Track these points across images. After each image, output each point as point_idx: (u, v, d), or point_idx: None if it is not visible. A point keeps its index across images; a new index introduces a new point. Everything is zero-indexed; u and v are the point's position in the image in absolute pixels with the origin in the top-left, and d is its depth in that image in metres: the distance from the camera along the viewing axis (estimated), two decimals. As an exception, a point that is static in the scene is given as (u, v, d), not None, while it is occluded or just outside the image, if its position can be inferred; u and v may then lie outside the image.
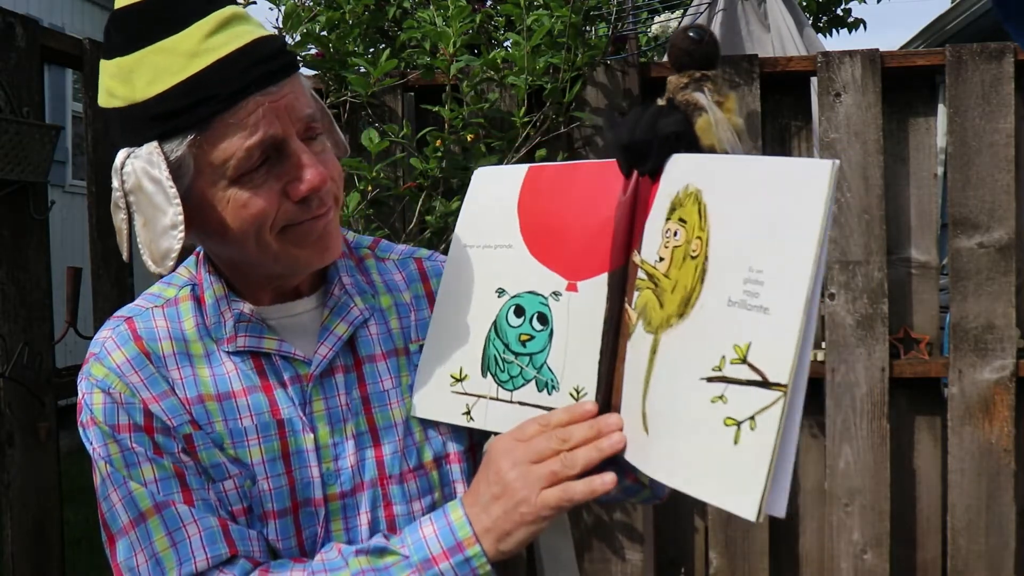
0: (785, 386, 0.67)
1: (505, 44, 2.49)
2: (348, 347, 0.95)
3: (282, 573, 0.85)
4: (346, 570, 0.83)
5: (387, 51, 2.12)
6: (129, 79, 0.81)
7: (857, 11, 13.09)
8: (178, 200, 0.81)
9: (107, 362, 0.89)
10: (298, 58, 0.92)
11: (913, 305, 2.30)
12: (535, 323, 0.91)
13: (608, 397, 0.85)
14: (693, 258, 0.76)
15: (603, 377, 0.85)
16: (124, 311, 0.94)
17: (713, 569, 2.28)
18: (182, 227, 0.82)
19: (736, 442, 0.69)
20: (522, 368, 0.91)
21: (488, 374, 0.93)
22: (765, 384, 0.68)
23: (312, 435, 0.91)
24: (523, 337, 0.91)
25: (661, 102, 0.87)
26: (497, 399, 0.92)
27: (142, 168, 0.82)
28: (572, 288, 0.89)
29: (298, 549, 0.91)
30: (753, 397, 0.69)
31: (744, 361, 0.70)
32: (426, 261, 1.05)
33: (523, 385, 0.91)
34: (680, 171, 0.82)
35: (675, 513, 2.36)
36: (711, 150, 0.83)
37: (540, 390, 0.90)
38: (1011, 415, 2.17)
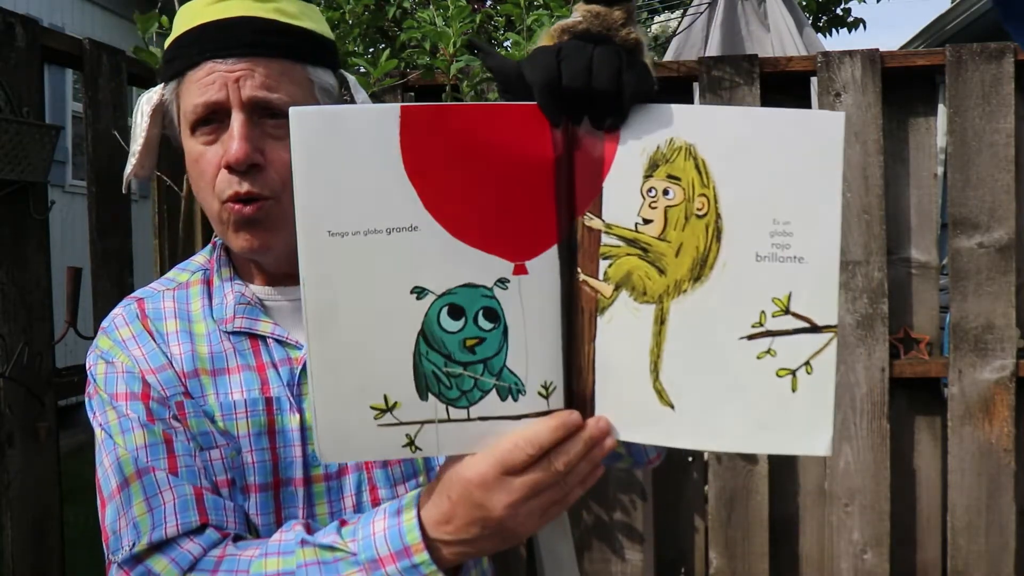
0: (835, 327, 0.71)
1: (505, 44, 2.49)
2: None
3: (241, 550, 0.86)
4: (292, 557, 0.83)
5: (387, 51, 2.12)
6: (172, 30, 0.97)
7: (857, 11, 13.09)
8: (144, 133, 0.97)
9: (114, 336, 0.96)
10: (302, 52, 0.96)
11: (913, 305, 2.30)
12: (481, 321, 0.74)
13: (572, 384, 0.76)
14: (700, 217, 0.73)
15: (566, 364, 0.75)
16: (138, 292, 1.02)
17: (713, 569, 2.28)
18: (138, 154, 0.98)
19: (794, 389, 0.72)
20: (476, 379, 0.75)
21: (430, 395, 0.75)
22: (815, 329, 0.71)
23: (298, 416, 0.94)
24: (470, 342, 0.74)
25: (577, 19, 0.75)
26: (449, 420, 0.75)
27: (143, 104, 0.98)
28: (521, 270, 0.74)
29: (276, 527, 0.92)
30: (804, 343, 0.71)
31: (787, 312, 0.71)
32: None
33: (481, 398, 0.75)
34: (653, 123, 0.73)
35: (675, 513, 2.36)
36: None
37: (504, 398, 0.75)
38: (1011, 415, 2.17)
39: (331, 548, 0.82)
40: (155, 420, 0.91)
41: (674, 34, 3.23)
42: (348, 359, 0.73)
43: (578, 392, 0.76)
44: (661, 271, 0.74)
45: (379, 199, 0.72)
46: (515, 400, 0.76)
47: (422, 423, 0.75)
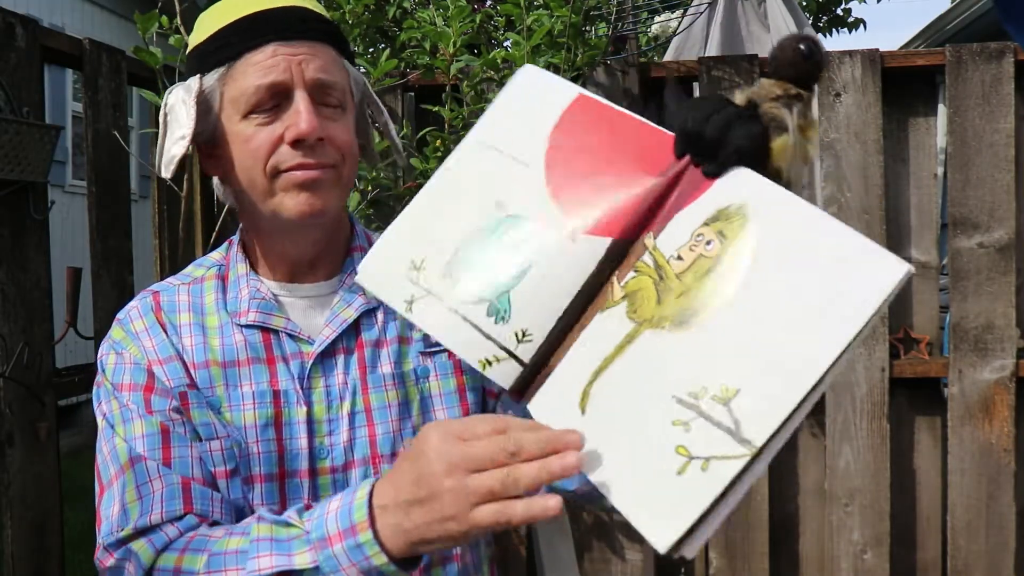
0: (755, 448, 0.64)
1: (505, 44, 2.49)
2: (353, 331, 1.01)
3: (212, 531, 0.88)
4: (248, 536, 0.83)
5: (387, 51, 2.12)
6: (200, 29, 1.00)
7: (857, 11, 13.09)
8: (193, 117, 0.95)
9: (127, 327, 1.00)
10: (340, 39, 1.03)
11: (913, 305, 2.30)
12: (518, 249, 0.83)
13: (549, 355, 0.80)
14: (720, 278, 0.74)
15: (554, 333, 0.80)
16: (155, 286, 1.05)
17: (713, 569, 2.28)
18: (189, 137, 0.96)
19: (680, 473, 0.66)
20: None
21: (450, 276, 0.84)
22: (735, 436, 0.65)
23: (305, 408, 0.97)
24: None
25: (740, 99, 0.81)
26: (437, 298, 0.84)
27: (180, 94, 0.98)
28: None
29: None
30: (717, 441, 0.66)
31: (726, 404, 0.67)
32: None
33: (475, 303, 0.82)
34: (741, 185, 0.77)
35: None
36: (776, 174, 0.77)
37: (489, 315, 0.81)
38: (1011, 415, 2.17)
39: (286, 525, 0.82)
40: (153, 412, 0.94)
41: (674, 34, 3.23)
42: (427, 221, 0.88)
43: (551, 364, 0.80)
44: (659, 301, 0.76)
45: (522, 137, 0.87)
46: (495, 323, 0.81)
47: (428, 293, 0.85)
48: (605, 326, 0.78)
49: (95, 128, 2.15)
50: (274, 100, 0.94)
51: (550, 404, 0.78)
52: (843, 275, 0.67)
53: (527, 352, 0.80)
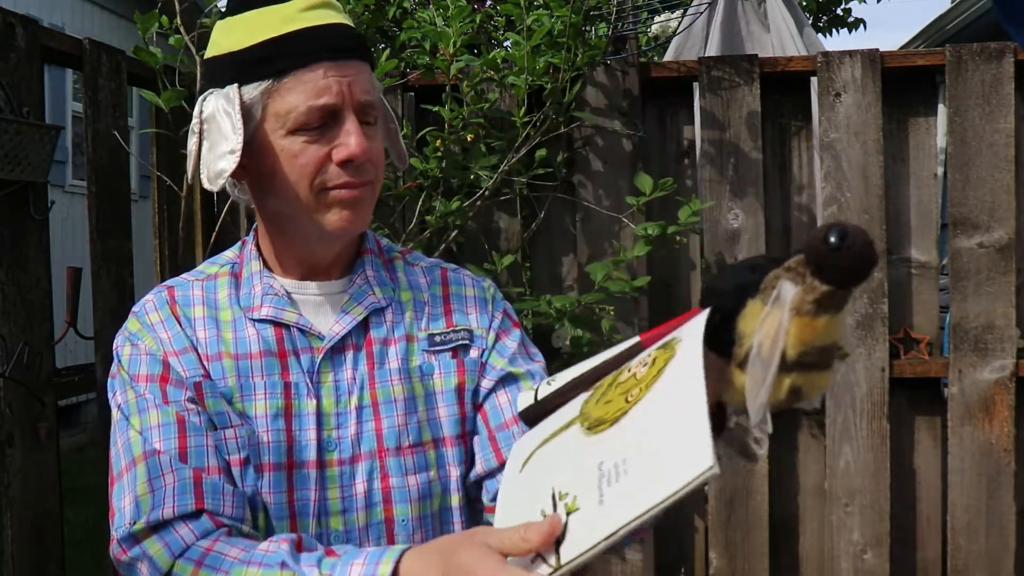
0: (559, 566, 0.68)
1: (505, 44, 2.49)
2: (362, 329, 1.03)
3: (229, 547, 0.87)
4: (271, 573, 0.83)
5: (387, 51, 2.12)
6: (231, 32, 0.98)
7: (857, 11, 13.08)
8: (241, 130, 0.95)
9: (143, 319, 1.02)
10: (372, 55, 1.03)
11: (913, 305, 2.30)
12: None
13: (556, 405, 0.90)
14: (625, 400, 0.76)
15: (565, 389, 0.90)
16: (170, 281, 1.07)
17: (713, 569, 2.28)
18: (239, 152, 0.95)
19: (533, 561, 0.71)
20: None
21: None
22: (558, 547, 0.69)
23: (315, 401, 0.99)
24: None
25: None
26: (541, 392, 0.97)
27: (220, 102, 0.97)
28: (644, 335, 0.89)
29: (287, 506, 0.97)
30: (550, 544, 0.71)
31: (568, 515, 0.71)
32: (450, 272, 1.14)
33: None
34: (691, 325, 0.77)
35: (675, 513, 2.36)
36: (739, 336, 0.73)
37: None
38: (1011, 415, 2.17)
39: None
40: (170, 402, 0.95)
41: (674, 34, 3.23)
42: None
43: (551, 410, 0.90)
44: (596, 402, 0.82)
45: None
46: (549, 372, 1.00)
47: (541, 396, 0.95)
48: (571, 406, 0.86)
49: (95, 128, 2.15)
50: (323, 120, 0.95)
51: (520, 449, 0.89)
52: (667, 450, 0.67)
53: (543, 392, 0.92)
